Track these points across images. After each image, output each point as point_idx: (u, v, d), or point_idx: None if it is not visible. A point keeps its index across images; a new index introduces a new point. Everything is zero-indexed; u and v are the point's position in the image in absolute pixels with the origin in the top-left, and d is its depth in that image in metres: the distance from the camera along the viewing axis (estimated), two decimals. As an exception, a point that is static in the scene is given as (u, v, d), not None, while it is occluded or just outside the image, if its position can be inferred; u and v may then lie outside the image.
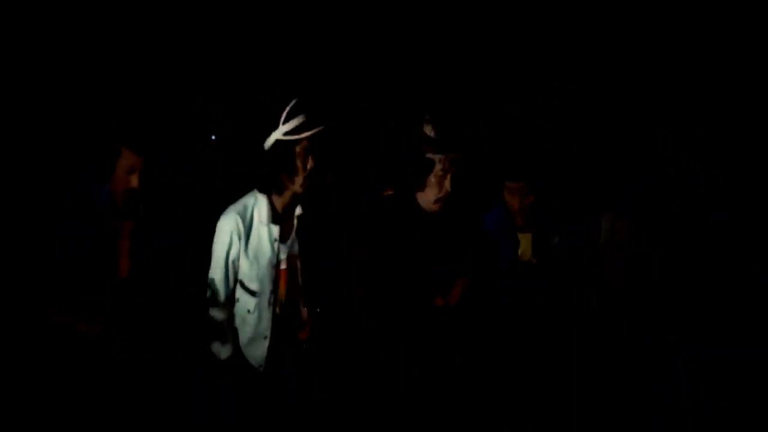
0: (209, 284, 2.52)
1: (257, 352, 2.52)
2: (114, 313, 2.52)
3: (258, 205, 2.52)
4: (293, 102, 2.51)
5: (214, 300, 2.52)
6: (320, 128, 2.50)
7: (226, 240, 2.49)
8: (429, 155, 2.55)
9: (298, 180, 2.51)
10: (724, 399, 3.00)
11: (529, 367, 2.76)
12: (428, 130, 2.90)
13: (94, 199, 2.60)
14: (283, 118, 2.48)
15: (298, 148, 2.48)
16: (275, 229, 2.53)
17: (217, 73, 3.56)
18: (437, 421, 2.55)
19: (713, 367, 3.08)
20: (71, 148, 3.12)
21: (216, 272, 2.51)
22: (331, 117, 2.60)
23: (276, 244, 2.53)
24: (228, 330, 2.51)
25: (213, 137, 2.58)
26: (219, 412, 2.50)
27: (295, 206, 2.58)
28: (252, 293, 2.52)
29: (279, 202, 2.55)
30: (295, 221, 2.57)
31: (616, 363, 2.97)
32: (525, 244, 3.19)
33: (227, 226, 2.50)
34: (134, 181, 2.59)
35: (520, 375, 2.74)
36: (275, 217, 2.54)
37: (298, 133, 2.47)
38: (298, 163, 2.49)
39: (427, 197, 2.57)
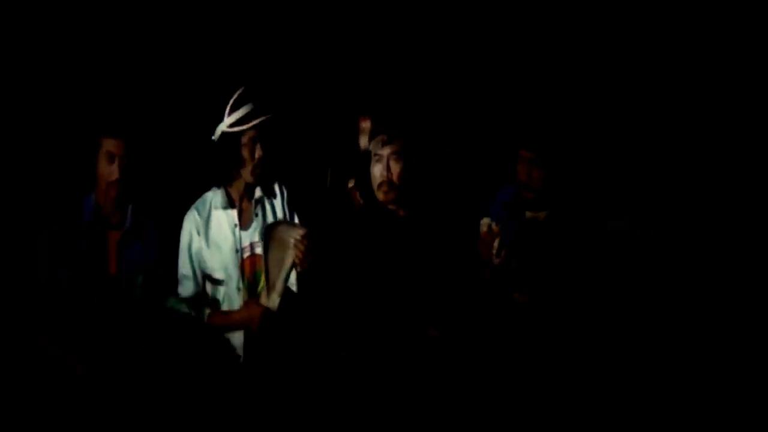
0: (179, 282, 2.55)
1: (234, 341, 2.54)
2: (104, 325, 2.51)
3: (215, 194, 2.59)
4: (238, 92, 2.52)
5: (186, 297, 2.55)
6: (266, 117, 2.51)
7: (187, 236, 2.57)
8: (376, 150, 2.57)
9: (246, 171, 2.55)
10: (724, 399, 3.00)
11: (528, 367, 2.77)
12: (368, 124, 2.91)
13: (80, 211, 2.57)
14: (228, 110, 2.50)
15: (244, 139, 2.51)
16: (233, 214, 2.57)
17: (217, 73, 3.56)
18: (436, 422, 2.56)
19: (712, 364, 3.09)
20: (53, 154, 3.10)
21: (183, 269, 2.56)
22: (279, 105, 2.61)
23: (237, 230, 2.56)
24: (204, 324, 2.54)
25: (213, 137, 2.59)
26: (213, 411, 2.51)
27: (252, 193, 2.60)
28: (219, 282, 2.56)
29: (234, 192, 2.59)
30: (253, 205, 2.59)
31: (615, 363, 2.96)
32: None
33: (186, 222, 2.59)
34: (115, 172, 2.53)
35: (520, 375, 2.75)
36: (231, 203, 2.57)
37: (243, 124, 2.49)
38: (245, 154, 2.53)
39: (376, 188, 2.58)
